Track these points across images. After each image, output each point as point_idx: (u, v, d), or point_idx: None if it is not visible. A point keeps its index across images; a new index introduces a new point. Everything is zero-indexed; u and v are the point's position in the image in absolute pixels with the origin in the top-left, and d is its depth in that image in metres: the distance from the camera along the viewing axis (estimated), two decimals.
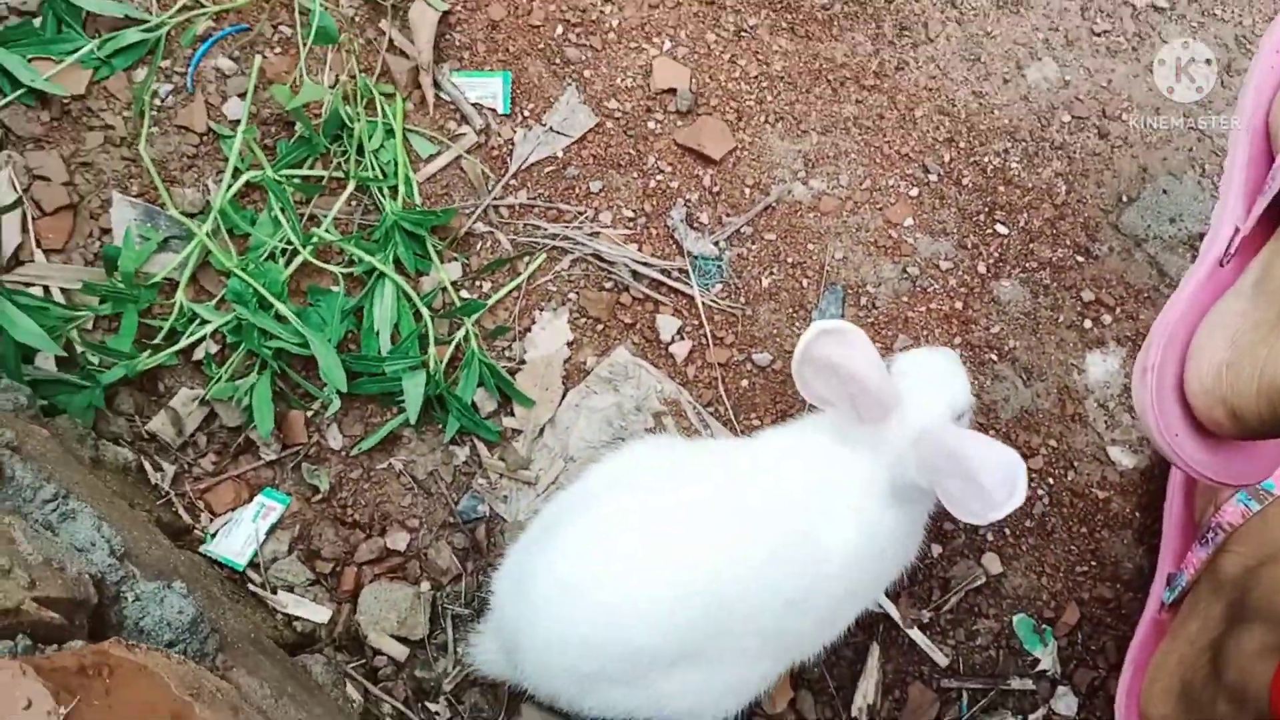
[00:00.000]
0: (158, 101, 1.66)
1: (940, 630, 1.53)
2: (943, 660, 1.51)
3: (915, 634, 1.51)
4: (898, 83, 1.72)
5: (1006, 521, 1.55)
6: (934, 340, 1.61)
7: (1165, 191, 1.68)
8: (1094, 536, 1.57)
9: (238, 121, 1.64)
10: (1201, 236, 1.48)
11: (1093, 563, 1.56)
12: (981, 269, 1.65)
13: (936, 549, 1.54)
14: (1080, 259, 1.66)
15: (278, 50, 1.70)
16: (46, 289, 1.55)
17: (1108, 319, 1.63)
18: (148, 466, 1.49)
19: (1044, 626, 1.53)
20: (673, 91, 1.71)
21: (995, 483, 1.08)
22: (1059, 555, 1.56)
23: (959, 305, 1.63)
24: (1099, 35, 1.75)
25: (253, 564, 1.47)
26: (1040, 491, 1.57)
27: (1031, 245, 1.66)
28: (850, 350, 1.14)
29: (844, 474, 1.21)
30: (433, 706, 1.45)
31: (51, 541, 0.98)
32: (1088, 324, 1.63)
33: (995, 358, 1.61)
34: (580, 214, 1.65)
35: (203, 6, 1.69)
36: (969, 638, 1.53)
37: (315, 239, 1.58)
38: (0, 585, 0.80)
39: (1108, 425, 1.59)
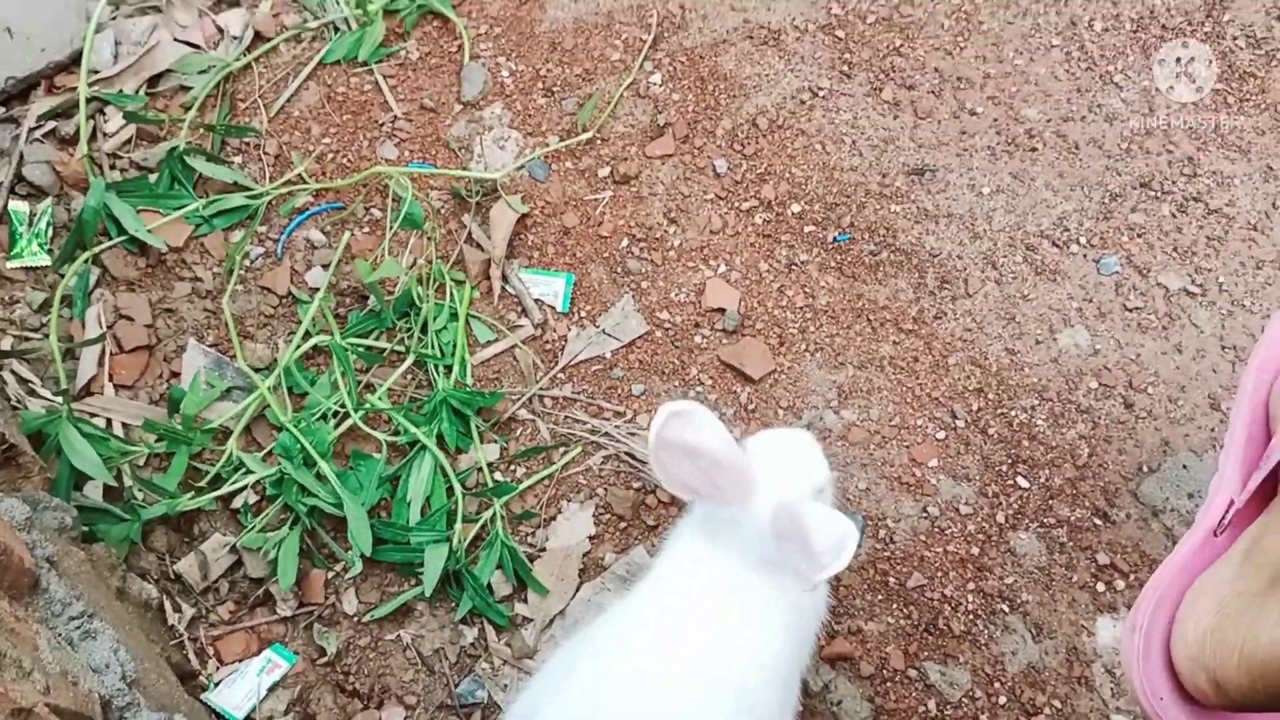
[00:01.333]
0: (247, 262, 1.79)
1: None
2: None
3: None
4: (935, 330, 1.81)
5: None
6: (949, 583, 1.63)
7: (1185, 467, 1.72)
8: None
9: (317, 289, 1.76)
10: None
11: None
12: (1000, 519, 1.68)
13: None
14: (1098, 522, 1.69)
15: (366, 230, 1.84)
16: (110, 421, 1.64)
17: (1121, 584, 1.64)
18: (168, 606, 1.53)
19: None
20: (722, 311, 1.81)
21: (825, 546, 1.10)
22: None
23: (975, 551, 1.66)
24: (1130, 311, 1.84)
25: (249, 719, 1.48)
26: None
27: (1051, 502, 1.70)
28: (699, 429, 1.15)
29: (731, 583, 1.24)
30: None
31: (70, 656, 1.01)
32: (1100, 587, 1.64)
33: (1007, 609, 1.62)
34: (620, 414, 1.73)
35: (305, 183, 1.85)
36: None
37: (368, 405, 1.67)
38: (20, 684, 0.84)
39: (1114, 693, 1.58)
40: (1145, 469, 1.72)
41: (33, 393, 1.63)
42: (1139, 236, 1.90)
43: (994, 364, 1.79)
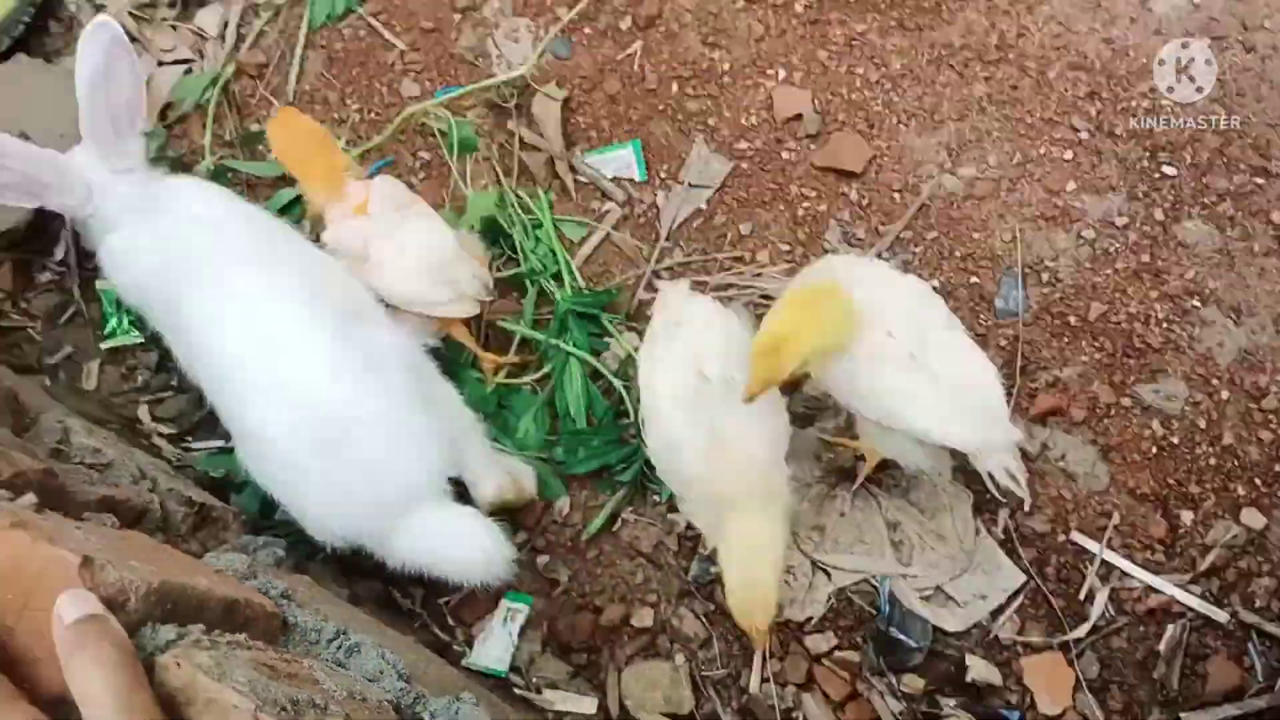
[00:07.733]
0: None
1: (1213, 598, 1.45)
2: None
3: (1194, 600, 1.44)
4: (1023, 50, 1.69)
5: (1259, 473, 1.48)
6: (1130, 300, 1.55)
7: None
8: None
9: None
10: None
11: None
12: (1159, 216, 1.59)
13: (1189, 516, 1.47)
14: (1260, 181, 1.58)
15: (422, 175, 1.78)
16: None
17: None
18: (396, 594, 1.55)
19: None
20: (798, 117, 1.71)
21: None
22: None
23: (1145, 259, 1.57)
24: None
25: (514, 668, 1.51)
26: None
27: (1205, 179, 1.59)
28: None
29: None
30: None
31: (347, 676, 1.03)
32: None
33: (1198, 303, 1.54)
34: (738, 259, 1.67)
35: (347, 153, 1.79)
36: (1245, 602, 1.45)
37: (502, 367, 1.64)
38: None
39: None
40: None
41: (188, 449, 1.64)
42: None
43: (1096, 60, 1.67)
